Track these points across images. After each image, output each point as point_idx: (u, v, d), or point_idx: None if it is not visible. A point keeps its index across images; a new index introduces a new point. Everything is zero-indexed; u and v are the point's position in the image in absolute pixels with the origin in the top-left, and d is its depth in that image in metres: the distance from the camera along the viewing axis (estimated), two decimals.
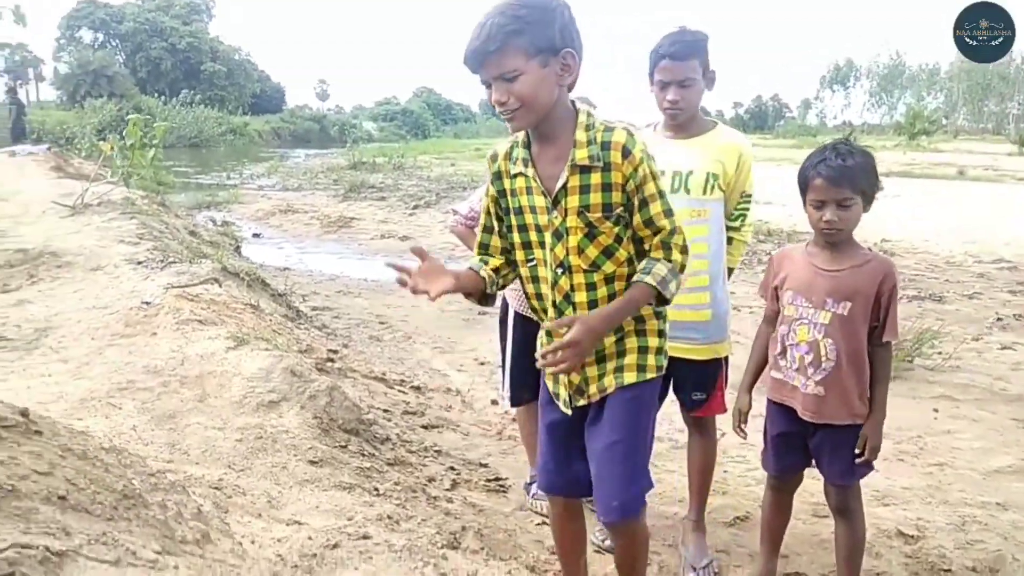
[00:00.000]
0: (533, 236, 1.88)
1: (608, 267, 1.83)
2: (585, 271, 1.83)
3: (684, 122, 2.51)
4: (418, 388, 4.53)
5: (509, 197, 1.91)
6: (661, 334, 1.95)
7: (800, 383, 2.25)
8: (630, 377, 1.89)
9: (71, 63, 51.42)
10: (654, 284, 1.78)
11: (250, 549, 1.95)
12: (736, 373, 2.86)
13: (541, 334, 2.05)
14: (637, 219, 1.80)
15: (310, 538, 2.20)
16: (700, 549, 2.64)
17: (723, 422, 2.83)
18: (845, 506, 2.30)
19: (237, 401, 2.89)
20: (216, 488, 2.28)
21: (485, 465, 3.45)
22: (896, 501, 3.22)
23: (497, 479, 3.28)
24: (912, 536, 2.89)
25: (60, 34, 59.37)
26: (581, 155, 1.77)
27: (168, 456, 2.46)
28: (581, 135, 1.77)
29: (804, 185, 2.21)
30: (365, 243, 10.71)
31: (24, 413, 1.62)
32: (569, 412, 1.97)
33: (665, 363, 1.96)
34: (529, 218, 1.87)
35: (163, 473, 1.96)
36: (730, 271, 2.65)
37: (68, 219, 6.78)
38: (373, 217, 12.48)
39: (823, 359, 2.20)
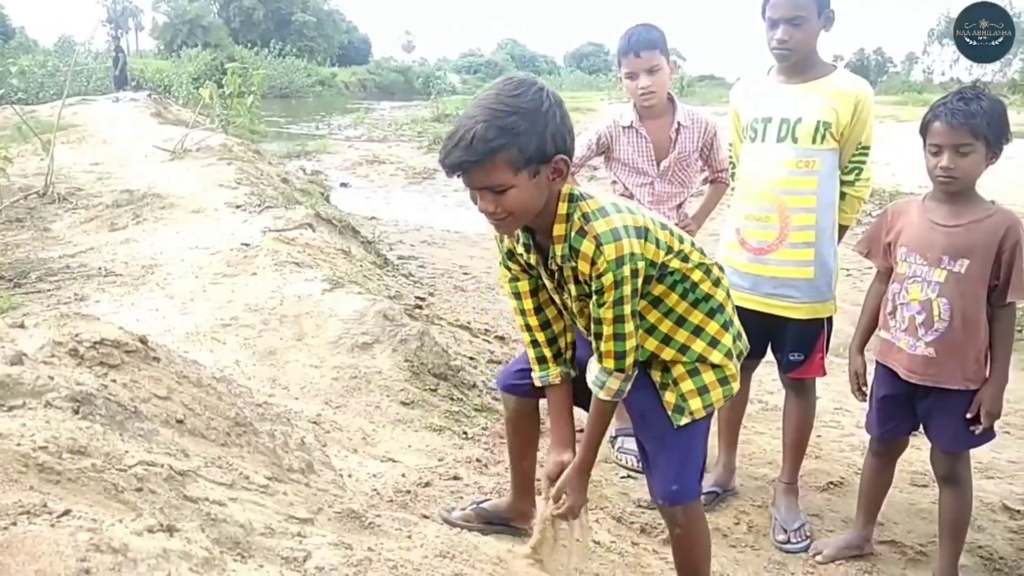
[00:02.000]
0: (561, 307, 1.85)
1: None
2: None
3: (796, 65, 2.37)
4: (502, 338, 4.55)
5: (530, 268, 1.82)
6: (715, 367, 1.81)
7: (907, 344, 2.15)
8: (716, 394, 1.81)
9: (169, 13, 53.04)
10: (609, 399, 1.74)
11: (348, 482, 2.01)
12: (835, 338, 2.76)
13: None
14: (592, 312, 1.68)
15: (403, 475, 2.26)
16: (792, 511, 2.58)
17: (818, 385, 2.75)
18: (953, 474, 2.20)
19: (333, 341, 2.97)
20: (315, 423, 2.36)
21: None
22: (1001, 475, 3.07)
23: (581, 431, 3.28)
24: (1018, 511, 2.76)
25: None
26: (558, 254, 1.68)
27: (270, 390, 2.56)
28: (559, 229, 1.67)
29: (924, 130, 2.08)
30: (449, 195, 10.75)
31: (143, 340, 1.70)
32: None
33: (709, 404, 1.81)
34: (550, 290, 1.83)
35: (268, 405, 2.04)
36: (843, 230, 2.51)
37: (169, 163, 7.05)
38: None
39: (936, 319, 2.09)
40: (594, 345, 1.71)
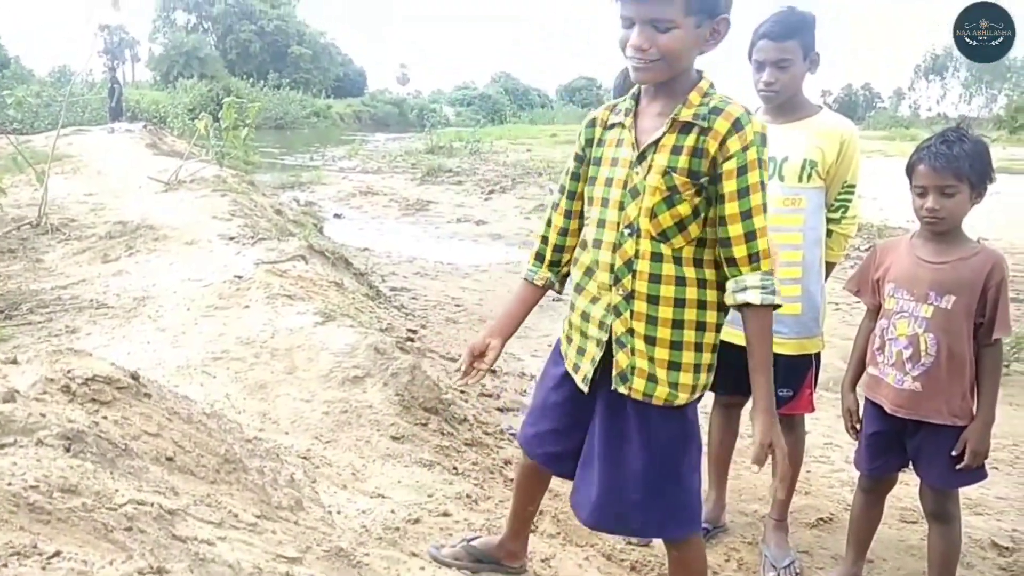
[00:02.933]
0: (606, 192, 1.73)
1: (677, 241, 1.66)
2: (653, 239, 1.67)
3: (782, 105, 2.43)
4: (493, 371, 4.55)
5: (595, 147, 1.80)
6: (714, 349, 1.79)
7: (895, 379, 2.17)
8: (684, 395, 1.73)
9: (166, 44, 53.52)
10: (779, 302, 1.66)
11: (337, 519, 2.01)
12: (824, 372, 2.78)
13: (574, 315, 1.86)
14: (732, 209, 1.59)
15: (393, 512, 2.25)
16: (782, 548, 2.57)
17: (807, 420, 2.76)
18: (942, 511, 2.21)
19: (324, 375, 2.97)
20: (305, 458, 2.36)
21: None
22: (990, 511, 3.08)
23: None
24: (1007, 548, 2.77)
25: (156, 16, 61.78)
26: (686, 113, 1.62)
27: (260, 424, 2.55)
28: (695, 97, 1.63)
29: (910, 171, 2.13)
30: (442, 226, 10.82)
31: (135, 376, 1.71)
32: (586, 390, 1.80)
33: (710, 380, 1.80)
34: (607, 171, 1.74)
35: (258, 440, 2.04)
36: (830, 267, 2.55)
37: (163, 194, 7.08)
38: (450, 201, 12.60)
39: (923, 354, 2.12)
40: (739, 252, 1.61)
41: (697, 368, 1.74)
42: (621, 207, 1.70)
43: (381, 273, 6.95)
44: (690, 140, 1.62)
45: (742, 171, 1.58)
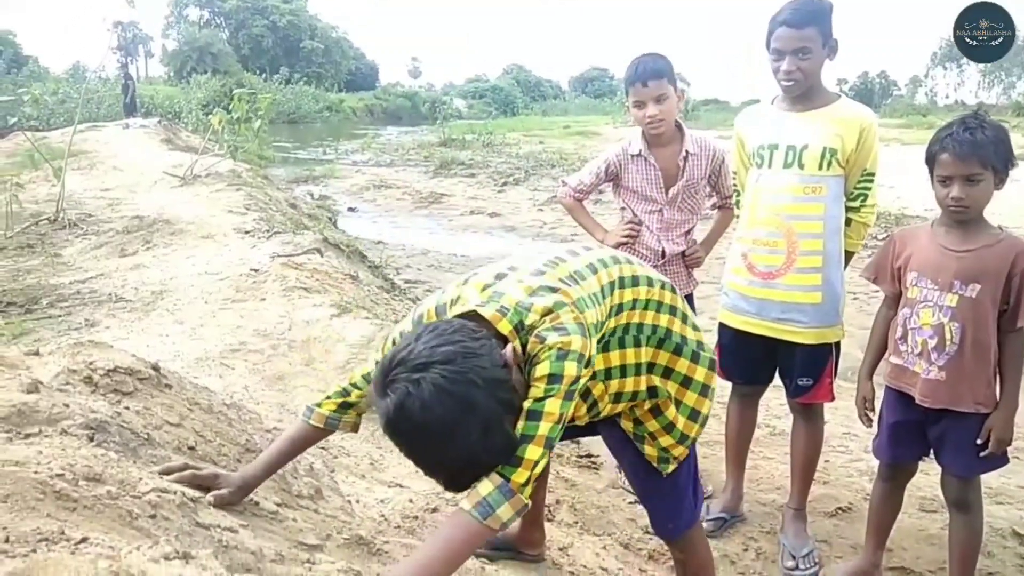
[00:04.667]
0: None
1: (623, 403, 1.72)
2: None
3: (802, 94, 2.40)
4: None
5: None
6: (669, 428, 1.75)
7: (922, 368, 2.15)
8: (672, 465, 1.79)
9: (179, 40, 53.80)
10: (471, 511, 1.29)
11: (356, 508, 2.02)
12: (842, 362, 2.76)
13: None
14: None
15: (411, 501, 2.26)
16: (800, 538, 2.56)
17: (825, 410, 2.74)
18: (964, 500, 2.19)
19: (340, 366, 2.98)
20: (323, 448, 2.37)
21: (577, 442, 3.45)
22: (1011, 500, 3.05)
23: (589, 456, 3.28)
24: None
25: (169, 12, 62.12)
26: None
27: (278, 416, 2.56)
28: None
29: (931, 161, 2.09)
30: (455, 219, 10.83)
31: (155, 367, 1.72)
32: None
33: (689, 444, 1.78)
34: None
35: (277, 431, 2.05)
36: (849, 255, 2.53)
37: (178, 189, 7.13)
38: (463, 193, 12.59)
39: (947, 343, 2.10)
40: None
41: (695, 415, 1.76)
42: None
43: (395, 266, 6.97)
44: None
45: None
